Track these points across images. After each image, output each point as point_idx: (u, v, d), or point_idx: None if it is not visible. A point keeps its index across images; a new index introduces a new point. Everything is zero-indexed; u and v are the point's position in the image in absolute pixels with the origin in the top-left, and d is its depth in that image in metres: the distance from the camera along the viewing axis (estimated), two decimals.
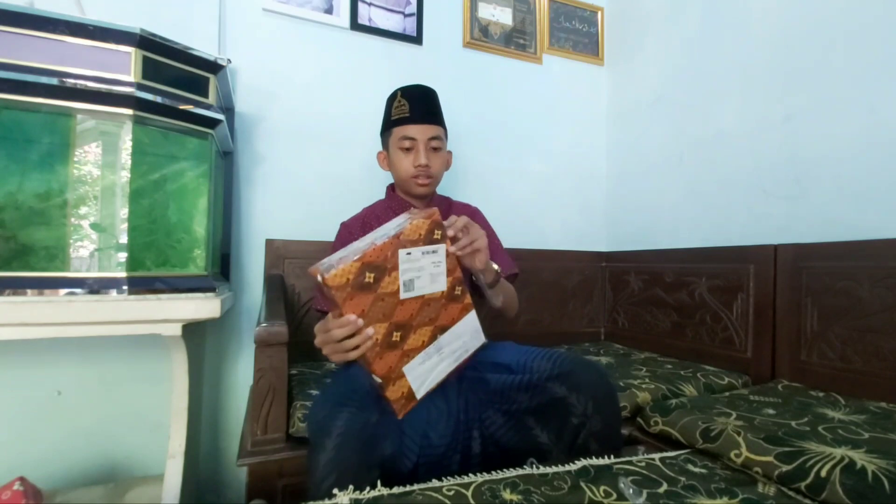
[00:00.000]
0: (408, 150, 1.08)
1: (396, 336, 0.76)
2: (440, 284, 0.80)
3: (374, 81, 1.61)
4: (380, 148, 1.19)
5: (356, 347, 0.71)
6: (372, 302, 0.71)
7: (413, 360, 0.78)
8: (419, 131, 1.07)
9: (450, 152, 1.20)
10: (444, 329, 0.82)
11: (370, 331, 0.71)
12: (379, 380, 0.75)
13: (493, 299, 1.03)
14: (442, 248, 0.80)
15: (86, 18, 0.89)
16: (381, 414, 0.80)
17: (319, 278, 0.67)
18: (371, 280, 0.71)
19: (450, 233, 0.81)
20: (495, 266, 0.98)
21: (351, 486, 0.68)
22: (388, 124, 1.12)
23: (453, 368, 0.86)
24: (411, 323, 0.77)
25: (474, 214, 1.21)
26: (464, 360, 0.87)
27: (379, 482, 0.70)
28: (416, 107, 1.08)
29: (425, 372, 0.81)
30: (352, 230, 1.13)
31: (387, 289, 0.73)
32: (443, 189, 1.68)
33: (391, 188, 1.20)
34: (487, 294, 1.02)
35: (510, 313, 1.13)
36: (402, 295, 0.75)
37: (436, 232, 0.78)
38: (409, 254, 0.74)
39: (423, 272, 0.77)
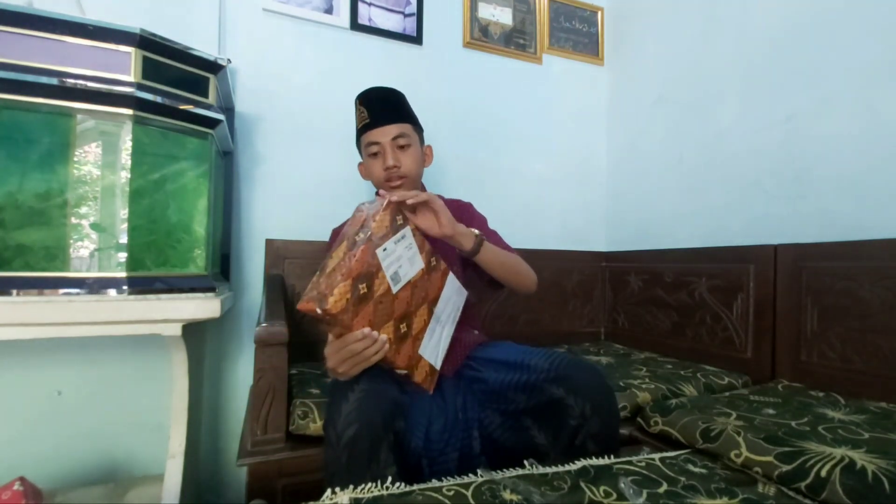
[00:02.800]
0: (375, 154, 1.08)
1: (403, 327, 0.80)
2: (418, 263, 0.84)
3: (375, 82, 1.59)
4: None
5: (376, 354, 0.75)
6: (374, 309, 0.75)
7: (423, 340, 0.83)
8: (381, 133, 1.06)
9: (429, 147, 1.18)
10: (435, 301, 0.88)
11: (383, 337, 0.75)
12: (404, 371, 0.80)
13: (489, 271, 0.98)
14: (408, 230, 0.83)
15: (86, 18, 0.89)
16: (397, 391, 0.83)
17: (319, 311, 0.68)
18: (365, 290, 0.73)
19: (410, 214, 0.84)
20: (473, 231, 0.93)
21: (368, 445, 0.73)
22: (357, 134, 1.12)
23: (454, 329, 0.92)
24: (410, 310, 0.82)
25: (463, 207, 1.20)
26: (458, 317, 0.94)
27: (388, 478, 0.70)
28: (374, 110, 1.07)
29: (435, 345, 0.87)
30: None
31: (380, 290, 0.76)
32: (442, 188, 1.69)
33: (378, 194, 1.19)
34: (481, 268, 0.97)
35: (521, 285, 1.05)
36: (394, 289, 0.78)
37: (397, 218, 0.81)
38: (384, 250, 0.77)
39: (402, 259, 0.80)
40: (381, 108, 1.08)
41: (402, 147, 1.08)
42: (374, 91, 1.11)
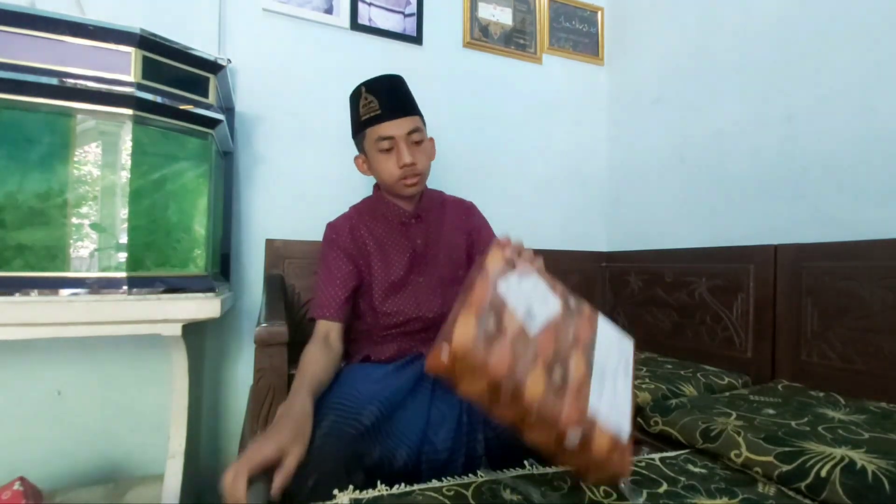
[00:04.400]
0: (388, 150, 0.99)
1: (558, 374, 0.61)
2: (553, 302, 0.68)
3: None
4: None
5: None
6: (512, 345, 0.59)
7: (589, 397, 0.62)
8: (396, 127, 0.98)
9: (431, 140, 1.09)
10: (588, 348, 0.69)
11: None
12: (577, 432, 0.58)
13: None
14: (530, 269, 0.70)
15: (86, 18, 0.89)
16: (373, 419, 0.78)
17: (444, 357, 0.55)
18: (494, 327, 0.58)
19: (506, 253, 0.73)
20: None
21: (336, 490, 0.67)
22: (359, 125, 1.02)
23: (631, 386, 0.71)
24: (560, 353, 0.63)
25: (469, 210, 1.19)
26: (632, 370, 0.73)
27: (378, 483, 0.70)
28: (385, 101, 0.98)
29: (609, 405, 0.64)
30: (339, 231, 1.07)
31: (513, 329, 0.60)
32: (443, 188, 1.68)
33: (377, 187, 1.13)
34: None
35: None
36: (531, 330, 0.62)
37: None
38: (506, 283, 0.64)
39: (532, 297, 0.66)
40: (393, 98, 0.99)
41: (416, 143, 1.01)
42: (383, 79, 1.02)
